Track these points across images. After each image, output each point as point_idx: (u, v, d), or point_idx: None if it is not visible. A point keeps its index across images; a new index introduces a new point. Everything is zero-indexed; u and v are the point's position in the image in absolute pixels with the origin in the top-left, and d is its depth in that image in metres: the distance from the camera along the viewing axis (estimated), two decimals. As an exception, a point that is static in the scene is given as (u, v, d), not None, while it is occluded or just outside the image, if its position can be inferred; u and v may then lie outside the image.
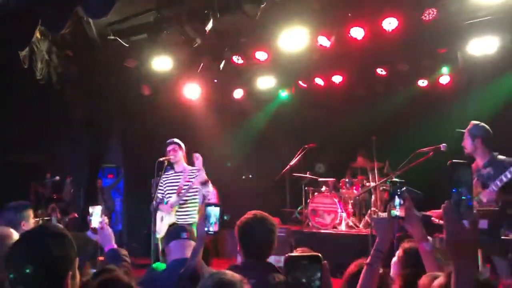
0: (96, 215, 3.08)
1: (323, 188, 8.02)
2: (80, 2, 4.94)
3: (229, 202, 8.09)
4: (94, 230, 3.08)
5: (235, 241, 2.72)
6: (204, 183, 5.00)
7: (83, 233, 3.12)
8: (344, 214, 7.60)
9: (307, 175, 8.40)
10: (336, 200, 7.61)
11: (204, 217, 2.56)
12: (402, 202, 2.20)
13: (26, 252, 1.79)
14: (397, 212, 2.20)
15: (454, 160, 1.82)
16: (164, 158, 5.16)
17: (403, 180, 2.25)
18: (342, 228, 7.54)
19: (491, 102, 7.38)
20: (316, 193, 7.99)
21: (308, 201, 7.98)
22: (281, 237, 7.12)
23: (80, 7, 4.99)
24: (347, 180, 8.01)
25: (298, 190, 8.43)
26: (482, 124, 4.29)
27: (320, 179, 8.30)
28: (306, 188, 8.30)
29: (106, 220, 3.13)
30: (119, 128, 9.15)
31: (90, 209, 3.09)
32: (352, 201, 7.83)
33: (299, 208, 8.47)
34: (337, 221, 7.51)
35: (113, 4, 4.76)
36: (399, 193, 2.20)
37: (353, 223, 7.64)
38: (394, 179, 2.31)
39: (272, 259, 6.94)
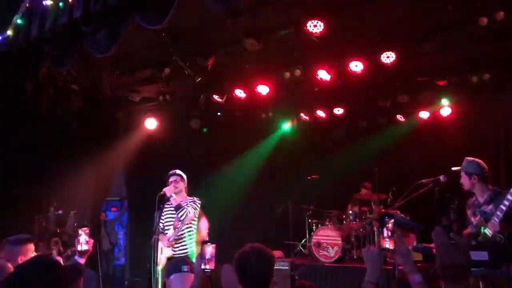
0: (84, 237, 3.11)
1: (327, 221, 7.97)
2: (85, 39, 5.09)
3: (231, 234, 8.09)
4: (81, 253, 3.10)
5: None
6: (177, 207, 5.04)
7: (72, 259, 3.14)
8: (348, 247, 7.53)
9: (311, 207, 8.36)
10: (340, 232, 7.55)
11: (201, 255, 2.61)
12: (391, 234, 2.21)
13: (20, 283, 1.82)
14: (386, 244, 2.21)
15: (440, 188, 1.85)
16: (164, 189, 5.18)
17: (391, 213, 2.29)
18: (346, 261, 7.45)
19: (490, 132, 7.44)
20: (319, 226, 7.94)
21: (311, 233, 7.92)
22: (284, 270, 7.13)
23: (85, 44, 5.14)
24: (350, 212, 7.96)
25: (301, 222, 8.38)
26: (477, 160, 4.29)
27: (324, 211, 8.26)
28: (309, 220, 8.26)
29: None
30: (123, 161, 9.22)
31: (79, 231, 3.12)
32: (355, 233, 7.76)
33: (303, 240, 8.40)
34: (341, 254, 7.43)
35: (118, 41, 4.90)
36: (388, 225, 2.22)
37: (357, 255, 7.55)
38: (383, 212, 2.36)
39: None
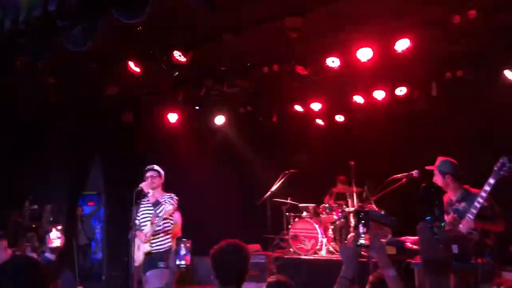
0: (56, 234, 3.08)
1: (304, 214, 8.07)
2: (61, 32, 5.00)
3: (209, 229, 8.11)
4: (52, 250, 3.07)
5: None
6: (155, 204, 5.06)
7: (43, 255, 3.11)
8: (324, 240, 7.65)
9: (288, 201, 8.45)
10: (316, 225, 7.66)
11: (176, 251, 2.64)
12: (366, 230, 2.27)
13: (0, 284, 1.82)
14: (362, 240, 2.27)
15: (426, 184, 1.92)
16: (141, 185, 5.19)
17: (366, 208, 2.34)
18: (323, 253, 7.57)
19: (464, 128, 7.63)
20: (297, 219, 8.04)
21: (289, 226, 8.01)
22: (262, 263, 7.22)
23: (61, 38, 5.05)
24: (327, 205, 8.08)
25: (279, 215, 8.46)
26: (450, 160, 4.42)
27: (301, 205, 8.36)
28: (287, 213, 8.35)
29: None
30: (100, 155, 9.13)
31: (51, 227, 3.09)
32: (332, 227, 7.89)
33: (281, 234, 8.49)
34: (318, 247, 7.55)
35: (95, 35, 4.83)
36: (363, 222, 2.27)
37: (333, 248, 7.68)
38: (358, 207, 2.42)
39: (252, 286, 6.94)
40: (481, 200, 3.96)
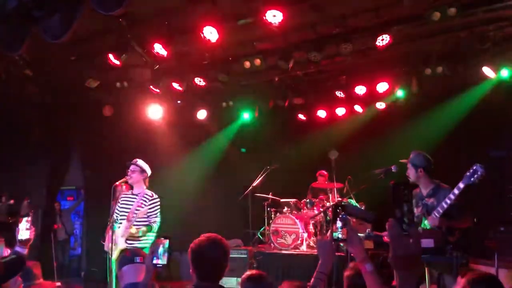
0: (25, 226, 2.96)
1: (285, 209, 8.09)
2: (38, 22, 4.89)
3: (191, 224, 8.07)
4: (22, 242, 2.96)
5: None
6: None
7: (13, 250, 3.00)
8: (305, 234, 7.68)
9: (270, 196, 8.45)
10: (297, 220, 7.68)
11: (153, 250, 2.61)
12: (343, 224, 2.26)
13: None
14: (339, 234, 2.26)
15: (395, 181, 1.93)
16: (120, 181, 5.11)
17: (344, 203, 2.34)
18: (303, 248, 7.60)
19: (443, 123, 7.72)
20: (278, 214, 8.05)
21: (270, 222, 8.02)
22: (243, 258, 7.21)
23: (38, 28, 4.94)
24: (308, 200, 8.11)
25: (260, 211, 8.46)
26: (424, 153, 4.46)
27: (282, 200, 8.38)
28: (268, 209, 8.36)
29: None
30: (80, 149, 9.00)
31: (20, 219, 2.97)
32: (312, 221, 7.92)
33: (262, 229, 8.50)
34: (299, 242, 7.58)
35: (72, 25, 4.74)
36: (340, 215, 2.26)
37: (314, 243, 7.71)
38: (336, 202, 2.41)
39: (233, 281, 6.91)
40: (448, 201, 4.00)
